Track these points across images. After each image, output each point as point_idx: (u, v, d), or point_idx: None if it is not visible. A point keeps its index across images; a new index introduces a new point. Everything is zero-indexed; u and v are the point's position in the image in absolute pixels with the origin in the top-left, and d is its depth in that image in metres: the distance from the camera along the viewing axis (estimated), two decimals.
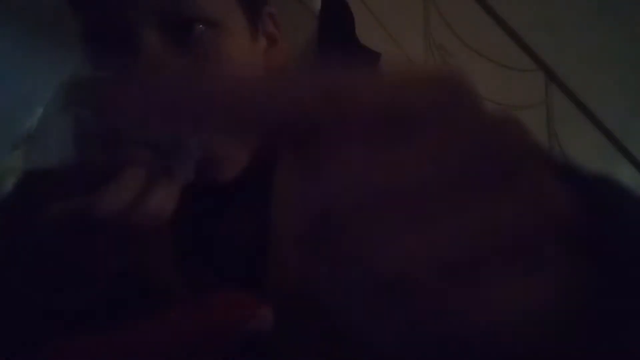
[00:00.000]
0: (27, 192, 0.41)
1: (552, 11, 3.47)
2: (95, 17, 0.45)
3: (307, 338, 0.33)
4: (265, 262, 0.40)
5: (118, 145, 0.36)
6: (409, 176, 0.17)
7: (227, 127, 0.19)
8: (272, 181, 0.44)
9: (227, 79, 0.19)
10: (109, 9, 0.44)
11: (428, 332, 0.17)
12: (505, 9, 2.79)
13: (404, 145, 0.17)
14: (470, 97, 0.18)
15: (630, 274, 0.23)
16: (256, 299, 0.35)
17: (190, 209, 0.38)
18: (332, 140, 0.17)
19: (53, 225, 0.35)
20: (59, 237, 0.35)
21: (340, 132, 0.17)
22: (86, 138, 0.36)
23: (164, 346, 0.35)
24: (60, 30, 2.11)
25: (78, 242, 0.35)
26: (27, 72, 2.16)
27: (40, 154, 0.37)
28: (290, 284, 0.33)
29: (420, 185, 0.17)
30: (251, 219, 0.44)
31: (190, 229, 0.43)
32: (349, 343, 0.20)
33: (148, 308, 0.37)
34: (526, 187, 0.17)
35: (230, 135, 0.19)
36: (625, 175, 3.18)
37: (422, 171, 0.17)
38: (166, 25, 0.44)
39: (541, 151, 0.19)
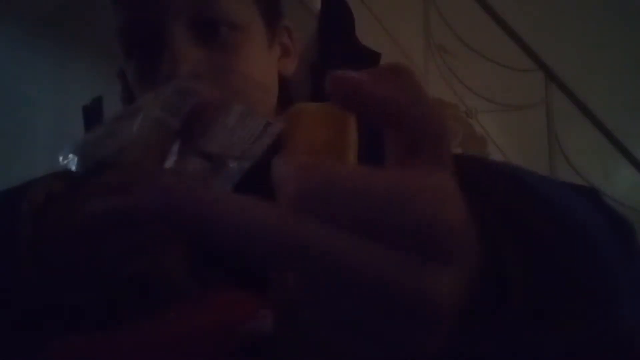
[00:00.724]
0: (65, 187, 0.41)
1: (552, 11, 3.47)
2: (131, 11, 0.49)
3: (307, 338, 0.33)
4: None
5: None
6: None
7: None
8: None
9: None
10: (145, 5, 0.48)
11: None
12: (505, 9, 2.79)
13: None
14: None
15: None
16: (256, 299, 0.35)
17: None
18: None
19: (89, 221, 0.35)
20: (91, 235, 0.35)
21: None
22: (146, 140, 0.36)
23: (164, 346, 0.35)
24: (60, 30, 2.11)
25: (109, 240, 0.35)
26: (26, 73, 2.16)
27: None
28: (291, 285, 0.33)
29: None
30: None
31: None
32: (349, 342, 0.20)
33: (155, 307, 0.37)
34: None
35: None
36: (625, 175, 3.18)
37: None
38: (194, 25, 0.48)
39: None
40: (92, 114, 0.57)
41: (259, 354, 0.32)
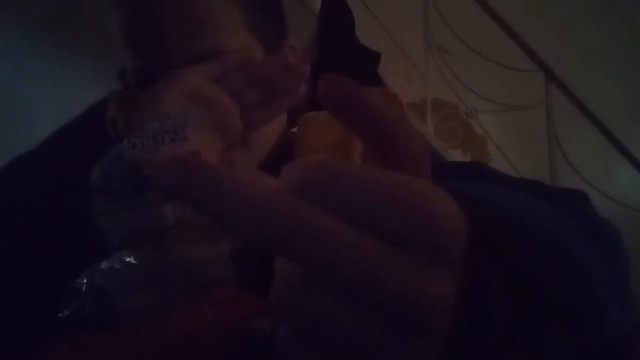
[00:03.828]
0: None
1: (552, 11, 3.47)
2: (136, 58, 0.51)
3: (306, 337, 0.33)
4: (267, 261, 0.40)
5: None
6: None
7: None
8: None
9: None
10: (146, 52, 0.50)
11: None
12: (505, 9, 2.79)
13: None
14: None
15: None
16: (256, 299, 0.35)
17: None
18: None
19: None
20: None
21: None
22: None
23: (164, 346, 0.35)
24: (60, 30, 2.11)
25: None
26: (26, 73, 2.16)
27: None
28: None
29: None
30: None
31: None
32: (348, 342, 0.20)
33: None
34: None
35: None
36: (625, 175, 3.19)
37: None
38: (194, 59, 0.49)
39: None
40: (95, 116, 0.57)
41: (259, 353, 0.32)
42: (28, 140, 0.56)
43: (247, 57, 0.49)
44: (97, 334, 0.36)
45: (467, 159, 3.36)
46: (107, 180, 0.38)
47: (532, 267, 0.26)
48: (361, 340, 0.19)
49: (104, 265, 0.37)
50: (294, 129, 0.61)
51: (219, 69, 0.48)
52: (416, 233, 0.18)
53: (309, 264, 0.18)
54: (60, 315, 0.37)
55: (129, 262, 0.37)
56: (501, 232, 0.26)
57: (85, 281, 0.37)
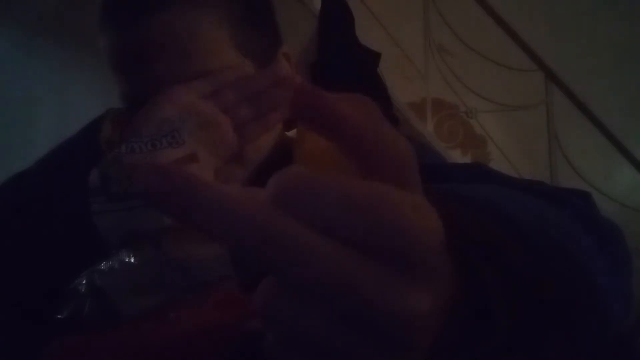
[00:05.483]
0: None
1: (552, 11, 3.47)
2: (127, 85, 0.52)
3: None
4: None
5: None
6: None
7: None
8: None
9: None
10: (136, 79, 0.50)
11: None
12: (505, 9, 2.79)
13: None
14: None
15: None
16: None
17: None
18: None
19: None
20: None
21: None
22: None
23: (163, 346, 0.35)
24: (60, 30, 2.11)
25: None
26: (26, 73, 2.15)
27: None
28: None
29: None
30: None
31: None
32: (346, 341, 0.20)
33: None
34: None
35: None
36: (625, 175, 3.18)
37: None
38: (183, 82, 0.48)
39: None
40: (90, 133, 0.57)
41: (258, 353, 0.32)
42: (28, 140, 0.56)
43: (238, 73, 0.49)
44: (97, 334, 0.36)
45: (467, 159, 3.36)
46: (105, 182, 0.38)
47: (533, 269, 0.26)
48: (340, 348, 0.19)
49: (103, 265, 0.37)
50: (292, 133, 0.61)
51: (211, 85, 0.48)
52: (386, 245, 0.18)
53: (279, 274, 0.18)
54: (60, 315, 0.37)
55: (128, 262, 0.37)
56: (501, 234, 0.26)
57: (84, 282, 0.37)
